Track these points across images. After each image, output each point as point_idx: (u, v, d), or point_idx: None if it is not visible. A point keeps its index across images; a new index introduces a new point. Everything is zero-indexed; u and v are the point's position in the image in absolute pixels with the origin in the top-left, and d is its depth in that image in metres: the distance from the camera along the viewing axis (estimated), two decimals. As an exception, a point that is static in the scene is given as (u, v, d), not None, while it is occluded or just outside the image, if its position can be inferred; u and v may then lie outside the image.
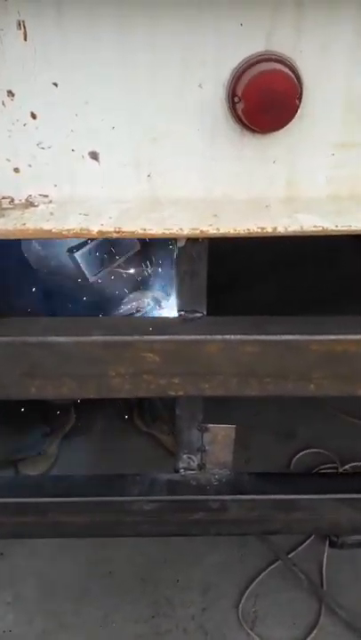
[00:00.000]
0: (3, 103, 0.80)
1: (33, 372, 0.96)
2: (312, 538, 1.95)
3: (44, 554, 1.94)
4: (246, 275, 2.78)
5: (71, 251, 1.32)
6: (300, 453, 2.23)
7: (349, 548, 1.81)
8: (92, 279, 1.33)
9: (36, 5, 0.74)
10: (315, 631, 1.72)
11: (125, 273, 1.50)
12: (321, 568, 1.87)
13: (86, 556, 1.92)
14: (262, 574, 1.85)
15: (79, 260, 1.30)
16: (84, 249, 1.32)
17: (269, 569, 1.86)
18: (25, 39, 0.76)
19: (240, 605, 1.78)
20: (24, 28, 0.75)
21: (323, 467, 2.14)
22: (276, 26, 0.76)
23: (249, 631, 1.72)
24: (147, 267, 1.53)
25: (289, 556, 1.88)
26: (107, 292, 1.46)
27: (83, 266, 1.30)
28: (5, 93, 0.80)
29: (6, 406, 1.92)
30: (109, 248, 1.39)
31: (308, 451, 2.24)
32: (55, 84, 0.80)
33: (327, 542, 1.90)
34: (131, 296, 1.52)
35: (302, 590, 1.81)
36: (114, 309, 1.52)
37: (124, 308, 1.52)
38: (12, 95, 0.80)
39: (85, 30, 0.76)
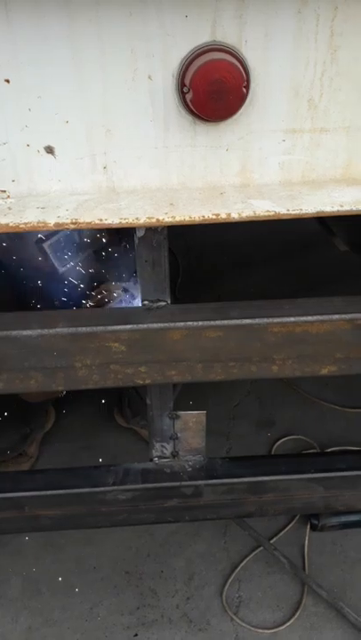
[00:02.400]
0: None
1: None
2: (293, 522, 1.98)
3: (28, 553, 1.94)
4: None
5: (40, 241, 1.32)
6: (280, 440, 2.26)
7: (330, 531, 1.86)
8: (61, 270, 1.33)
9: (-18, 2, 0.75)
10: (298, 612, 1.75)
11: (95, 263, 1.51)
12: (303, 551, 1.91)
13: (70, 553, 1.93)
14: (245, 560, 1.88)
15: (48, 251, 1.31)
16: (53, 239, 1.32)
17: (252, 555, 1.89)
18: (-26, 36, 0.77)
19: (224, 592, 1.81)
20: (-28, 24, 0.76)
21: (304, 452, 2.18)
22: (220, 16, 0.78)
23: (233, 616, 1.75)
24: (115, 257, 1.54)
25: (271, 541, 1.91)
26: (76, 282, 1.47)
27: (52, 256, 1.31)
28: None
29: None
30: (78, 238, 1.40)
31: (288, 438, 2.27)
32: (7, 81, 0.81)
33: (308, 526, 1.94)
34: (100, 286, 1.52)
35: (285, 574, 1.84)
36: (83, 300, 1.52)
37: (94, 299, 1.52)
38: (-36, 92, 0.81)
39: (33, 27, 0.77)
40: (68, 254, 1.39)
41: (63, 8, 0.76)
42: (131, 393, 2.28)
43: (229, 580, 1.83)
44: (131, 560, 1.91)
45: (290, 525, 1.97)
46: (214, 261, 3.07)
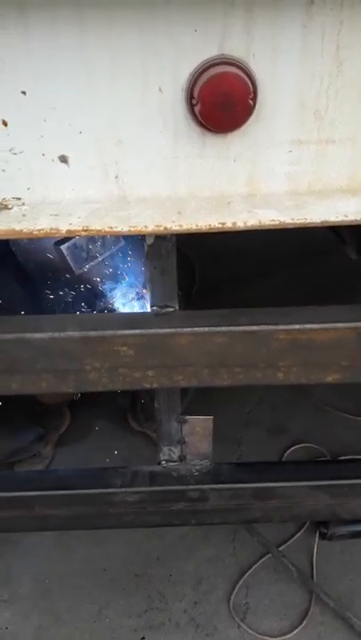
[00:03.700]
0: (-26, 111, 0.85)
1: (12, 369, 1.00)
2: (303, 531, 1.98)
3: (39, 553, 1.97)
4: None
5: (58, 243, 1.36)
6: (292, 448, 2.26)
7: (339, 540, 1.85)
8: (77, 272, 1.37)
9: (1, 18, 0.78)
10: (305, 621, 1.74)
11: (110, 267, 1.54)
12: (311, 560, 1.90)
13: (80, 554, 1.95)
14: (254, 567, 1.88)
15: (65, 253, 1.34)
16: (70, 242, 1.35)
17: (261, 561, 1.89)
18: (-8, 50, 0.80)
19: (231, 598, 1.81)
20: (-9, 40, 0.79)
21: (311, 460, 2.17)
22: (228, 31, 0.80)
23: (240, 622, 1.75)
24: (130, 262, 1.57)
25: (280, 548, 1.91)
26: (91, 285, 1.50)
27: (69, 258, 1.34)
28: (-24, 102, 0.84)
29: (1, 409, 1.96)
30: (95, 242, 1.43)
31: (299, 445, 2.27)
32: (24, 93, 0.85)
33: (317, 534, 1.94)
34: (114, 290, 1.56)
35: (293, 582, 1.84)
36: (98, 302, 1.55)
37: (108, 302, 1.55)
38: (-17, 104, 0.84)
39: (48, 40, 0.80)
40: (84, 257, 1.43)
41: (77, 25, 0.79)
42: (144, 397, 2.30)
43: (237, 587, 1.84)
44: (140, 563, 1.93)
45: (299, 533, 1.97)
46: (231, 267, 3.09)
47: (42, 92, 0.84)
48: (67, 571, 1.92)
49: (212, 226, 0.85)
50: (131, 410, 2.38)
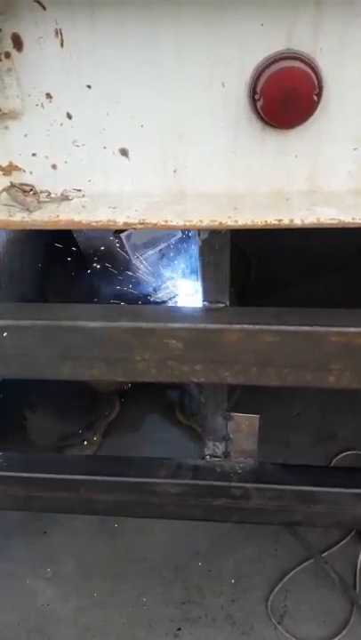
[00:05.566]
0: (42, 105, 0.87)
1: (66, 354, 1.04)
2: (347, 539, 1.93)
3: (84, 535, 2.03)
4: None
5: (117, 231, 1.39)
6: (341, 455, 2.21)
7: (384, 552, 1.80)
8: (134, 260, 1.40)
9: (71, 14, 0.80)
10: (344, 631, 1.70)
11: (165, 259, 1.56)
12: (355, 569, 1.85)
13: (122, 540, 1.99)
14: (295, 570, 1.86)
15: (125, 241, 1.37)
16: (129, 230, 1.38)
17: (302, 566, 1.86)
18: (62, 46, 0.83)
19: (270, 599, 1.80)
20: (61, 35, 0.82)
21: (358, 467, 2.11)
22: (296, 25, 0.78)
23: (277, 625, 1.74)
24: (187, 254, 1.58)
25: (323, 554, 1.87)
26: (146, 275, 1.52)
27: (127, 246, 1.37)
28: (44, 96, 0.87)
29: (54, 394, 2.03)
30: (152, 233, 1.45)
31: (348, 452, 2.21)
32: (89, 87, 0.87)
33: (363, 544, 1.89)
34: (169, 281, 1.57)
35: (334, 590, 1.80)
36: (151, 293, 1.58)
37: (161, 293, 1.57)
38: (50, 97, 0.87)
39: (115, 35, 0.82)
40: (141, 246, 1.45)
41: (146, 17, 0.80)
42: (193, 391, 2.31)
43: (276, 589, 1.82)
44: (180, 555, 1.94)
45: (343, 541, 1.92)
46: (288, 265, 3.03)
47: (106, 86, 0.86)
48: (108, 556, 1.97)
49: (269, 222, 0.84)
50: (179, 404, 2.40)
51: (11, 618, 1.85)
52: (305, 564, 1.87)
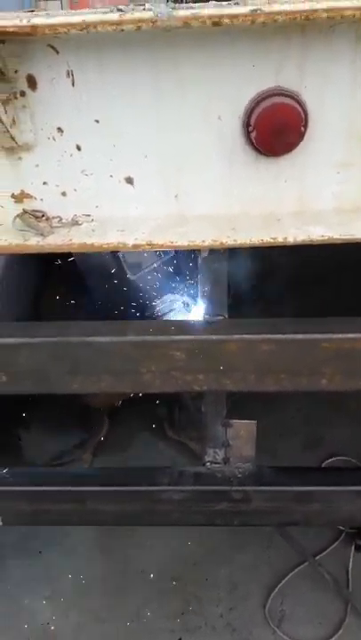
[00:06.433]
0: (53, 138, 0.95)
1: (75, 370, 1.09)
2: (339, 541, 2.00)
3: (80, 553, 2.05)
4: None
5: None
6: (328, 460, 2.28)
7: (375, 552, 1.88)
8: (131, 277, 1.46)
9: (82, 57, 0.89)
10: (340, 631, 1.77)
11: (161, 275, 1.63)
12: (347, 571, 1.92)
13: (120, 555, 2.02)
14: (289, 575, 1.91)
15: (122, 258, 1.43)
16: None
17: (296, 570, 1.93)
18: (73, 85, 0.91)
19: (267, 604, 1.85)
20: (72, 76, 0.90)
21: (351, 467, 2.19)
22: (283, 65, 0.88)
23: (275, 629, 1.79)
24: (179, 272, 1.65)
25: (316, 558, 1.93)
26: (143, 291, 1.58)
27: (124, 264, 1.43)
28: (56, 130, 0.94)
29: (49, 412, 2.05)
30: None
31: (335, 458, 2.29)
32: (97, 121, 0.95)
33: (353, 547, 1.96)
34: (164, 297, 1.64)
35: (328, 591, 1.86)
36: (150, 308, 1.64)
37: (159, 308, 1.63)
38: (62, 131, 0.94)
39: (121, 76, 0.90)
40: (139, 263, 1.52)
41: (149, 59, 0.88)
42: (182, 406, 2.37)
43: (273, 594, 1.87)
44: (177, 566, 1.98)
45: (334, 545, 1.99)
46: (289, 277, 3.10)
47: (113, 121, 0.94)
48: (106, 571, 1.99)
49: (265, 241, 0.93)
50: (168, 419, 2.45)
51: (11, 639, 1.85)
52: (299, 568, 1.93)
